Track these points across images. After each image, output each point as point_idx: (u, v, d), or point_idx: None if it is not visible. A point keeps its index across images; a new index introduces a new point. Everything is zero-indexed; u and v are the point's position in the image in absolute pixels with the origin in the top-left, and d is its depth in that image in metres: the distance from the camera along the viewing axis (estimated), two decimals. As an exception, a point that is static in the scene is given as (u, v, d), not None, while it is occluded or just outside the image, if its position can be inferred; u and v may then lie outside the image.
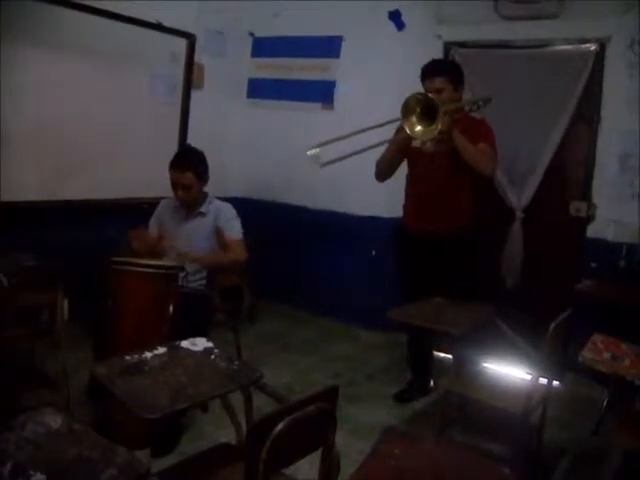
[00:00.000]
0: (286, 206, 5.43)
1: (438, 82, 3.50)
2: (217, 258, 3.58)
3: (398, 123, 3.44)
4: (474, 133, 3.50)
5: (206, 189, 3.67)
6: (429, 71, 3.59)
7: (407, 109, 3.25)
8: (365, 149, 3.37)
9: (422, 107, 3.23)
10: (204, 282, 3.64)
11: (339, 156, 3.31)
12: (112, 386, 1.88)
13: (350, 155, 3.32)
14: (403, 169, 3.84)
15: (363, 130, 3.38)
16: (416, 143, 3.59)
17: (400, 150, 3.64)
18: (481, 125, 3.66)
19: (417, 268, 3.81)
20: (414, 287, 3.74)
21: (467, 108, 3.72)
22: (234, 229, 3.60)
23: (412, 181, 3.83)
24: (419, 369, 4.05)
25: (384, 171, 3.74)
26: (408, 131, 3.28)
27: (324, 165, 3.28)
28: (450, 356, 3.85)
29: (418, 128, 3.27)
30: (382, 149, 3.65)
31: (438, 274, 3.68)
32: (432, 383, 4.04)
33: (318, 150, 3.28)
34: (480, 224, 3.73)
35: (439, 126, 3.18)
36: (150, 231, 3.76)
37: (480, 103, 3.73)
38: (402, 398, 3.92)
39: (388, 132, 3.62)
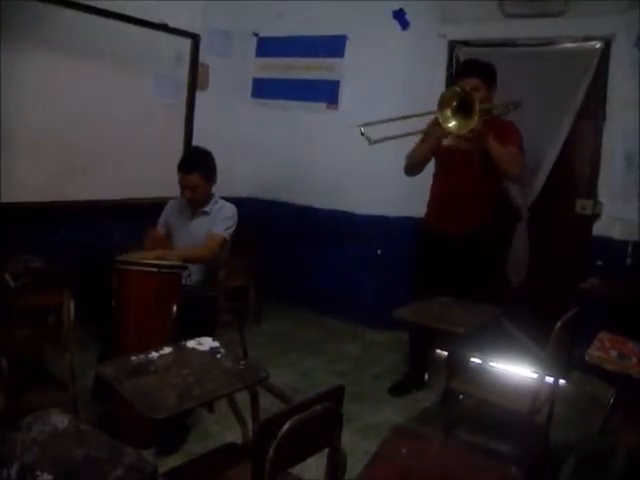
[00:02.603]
0: (291, 205, 5.43)
1: (472, 82, 3.50)
2: (183, 254, 3.47)
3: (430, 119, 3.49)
4: (503, 136, 3.51)
5: (212, 189, 3.68)
6: (463, 71, 3.62)
7: (443, 102, 3.27)
8: (412, 133, 3.55)
9: (458, 102, 3.26)
10: (203, 280, 3.64)
11: (387, 137, 3.47)
12: (119, 386, 1.88)
13: (400, 136, 3.48)
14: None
15: (411, 116, 3.55)
16: (446, 142, 3.60)
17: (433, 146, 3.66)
18: (510, 128, 3.67)
19: (437, 268, 3.82)
20: (432, 286, 3.72)
21: (496, 112, 3.73)
22: (220, 226, 3.58)
23: (440, 180, 3.84)
24: (417, 364, 4.08)
25: (417, 165, 3.74)
26: (442, 123, 3.30)
27: (374, 143, 3.40)
28: (453, 354, 3.85)
29: (452, 123, 3.29)
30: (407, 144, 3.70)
31: (457, 274, 3.70)
32: (426, 377, 4.09)
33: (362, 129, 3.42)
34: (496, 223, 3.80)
35: (475, 121, 3.19)
36: (158, 231, 3.78)
37: (510, 107, 3.73)
38: (397, 391, 3.95)
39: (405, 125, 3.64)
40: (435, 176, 3.87)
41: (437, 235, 3.79)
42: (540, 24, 4.30)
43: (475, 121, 3.21)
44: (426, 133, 3.61)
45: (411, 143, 3.75)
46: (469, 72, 3.58)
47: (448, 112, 3.29)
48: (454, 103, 3.27)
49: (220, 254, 3.61)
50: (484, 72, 3.63)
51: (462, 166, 3.64)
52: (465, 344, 3.30)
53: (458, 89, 3.31)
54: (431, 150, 3.67)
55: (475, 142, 3.45)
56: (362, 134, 3.37)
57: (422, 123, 3.66)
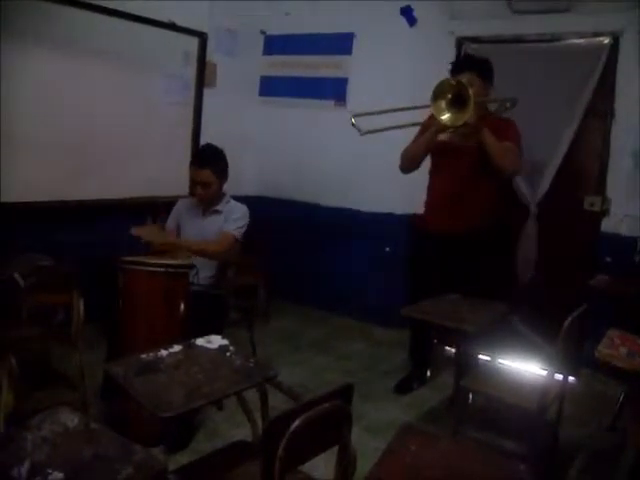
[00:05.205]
0: (299, 204, 5.43)
1: (467, 76, 3.47)
2: (196, 245, 3.49)
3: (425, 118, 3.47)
4: (501, 132, 3.48)
5: (223, 188, 3.69)
6: (459, 66, 3.58)
7: (438, 93, 3.25)
8: (405, 125, 3.53)
9: (453, 94, 3.24)
10: (213, 279, 3.64)
11: (379, 128, 3.49)
12: (128, 385, 1.88)
13: (391, 128, 3.47)
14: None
15: (403, 109, 3.54)
16: (442, 137, 3.58)
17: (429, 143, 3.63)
18: (509, 125, 3.65)
19: (433, 267, 3.80)
20: (428, 286, 3.70)
21: (492, 107, 3.71)
22: (233, 224, 3.58)
23: (436, 176, 3.82)
24: (419, 361, 4.10)
25: (410, 161, 3.71)
26: (435, 115, 3.28)
27: (365, 133, 3.38)
28: (462, 352, 3.86)
29: (446, 115, 3.27)
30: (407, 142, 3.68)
31: (454, 274, 3.68)
32: (429, 373, 4.12)
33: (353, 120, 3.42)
34: (500, 223, 3.76)
35: (469, 113, 3.16)
36: (168, 229, 3.77)
37: (507, 104, 3.70)
38: (402, 389, 3.97)
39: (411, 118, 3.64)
40: (431, 173, 3.84)
41: (435, 234, 3.75)
42: (548, 20, 4.29)
43: (469, 113, 3.17)
44: (424, 127, 3.58)
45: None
46: (465, 67, 3.56)
47: (442, 104, 3.27)
48: (449, 95, 3.26)
49: (230, 253, 3.61)
50: (480, 67, 3.61)
51: (458, 162, 3.60)
52: (474, 342, 3.29)
53: (453, 81, 3.30)
54: (426, 145, 3.61)
55: (470, 137, 3.42)
56: (353, 125, 3.35)
57: (421, 118, 3.66)
